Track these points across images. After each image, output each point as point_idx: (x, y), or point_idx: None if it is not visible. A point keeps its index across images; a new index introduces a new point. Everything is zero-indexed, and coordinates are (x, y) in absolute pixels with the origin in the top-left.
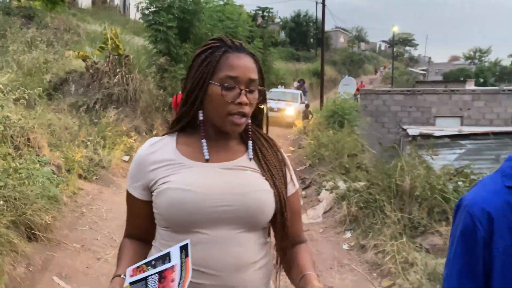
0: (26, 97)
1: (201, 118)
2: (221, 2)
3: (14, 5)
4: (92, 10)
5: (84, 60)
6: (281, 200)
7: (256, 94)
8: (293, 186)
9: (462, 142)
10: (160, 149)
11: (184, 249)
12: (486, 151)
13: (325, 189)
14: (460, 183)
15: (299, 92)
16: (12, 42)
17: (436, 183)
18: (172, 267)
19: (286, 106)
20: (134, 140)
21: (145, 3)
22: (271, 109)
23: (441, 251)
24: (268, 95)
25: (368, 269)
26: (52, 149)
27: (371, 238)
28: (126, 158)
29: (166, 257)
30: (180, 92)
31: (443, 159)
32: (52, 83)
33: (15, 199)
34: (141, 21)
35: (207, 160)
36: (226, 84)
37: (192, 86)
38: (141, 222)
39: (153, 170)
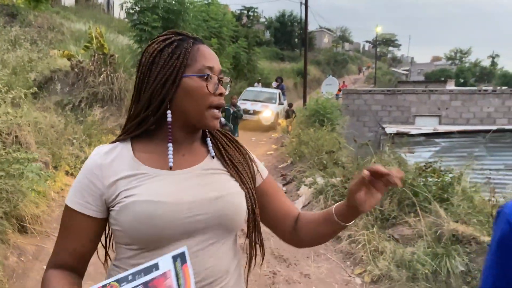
0: (12, 96)
1: (169, 119)
2: (206, 2)
3: None
4: (75, 8)
5: (69, 59)
6: (251, 198)
7: (226, 86)
8: (260, 176)
9: (437, 140)
10: (117, 158)
11: (178, 257)
12: (459, 148)
13: (304, 185)
14: (429, 178)
15: (277, 91)
16: None
17: (406, 178)
18: (164, 274)
19: (263, 108)
20: None
21: (130, 2)
22: (246, 111)
23: (409, 240)
24: (243, 94)
25: (342, 258)
26: (39, 146)
27: (345, 229)
28: None
29: (152, 269)
30: None
31: (419, 156)
32: (37, 82)
33: (7, 192)
34: (126, 20)
35: (170, 168)
36: (208, 74)
37: (157, 85)
38: (82, 246)
39: (111, 183)
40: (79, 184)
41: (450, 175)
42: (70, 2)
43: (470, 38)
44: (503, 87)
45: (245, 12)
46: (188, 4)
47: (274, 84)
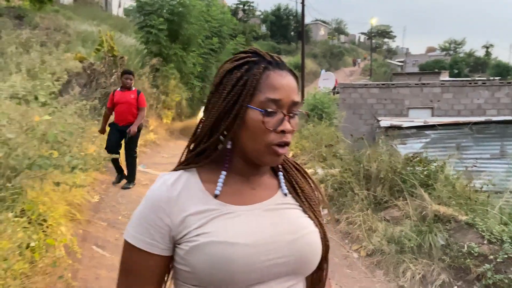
0: (43, 99)
1: (229, 146)
2: (206, 2)
3: (3, 6)
4: (74, 7)
5: (80, 61)
6: (326, 241)
7: (297, 119)
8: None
9: (427, 132)
10: (184, 190)
11: None
12: (448, 140)
13: None
14: (417, 167)
15: None
16: (8, 44)
17: (396, 167)
18: None
19: None
20: None
21: (136, 6)
22: None
23: (398, 221)
24: None
25: (341, 237)
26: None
27: (343, 213)
28: None
29: None
30: (118, 89)
31: (411, 148)
32: (58, 84)
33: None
34: (124, 17)
35: (215, 196)
36: (268, 109)
37: (223, 109)
38: (146, 285)
39: (181, 220)
40: (144, 219)
41: (434, 164)
42: (69, 0)
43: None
44: (494, 79)
45: (241, 6)
46: (191, 7)
47: None
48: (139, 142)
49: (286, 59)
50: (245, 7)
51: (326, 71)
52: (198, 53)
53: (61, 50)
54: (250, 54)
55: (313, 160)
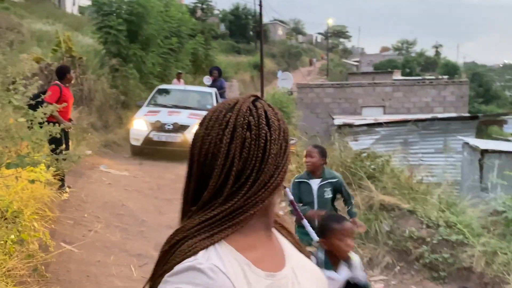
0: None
1: (291, 197)
2: (164, 2)
3: None
4: (25, 4)
5: (37, 62)
6: None
7: None
8: None
9: (377, 129)
10: (231, 270)
11: None
12: (396, 136)
13: None
14: (366, 162)
15: (213, 90)
16: None
17: (346, 162)
18: None
19: (192, 121)
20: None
21: (93, 6)
22: (159, 128)
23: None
24: (152, 97)
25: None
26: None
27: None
28: (89, 152)
29: None
30: (62, 85)
31: (362, 144)
32: (6, 84)
33: None
34: (79, 15)
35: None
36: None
37: (273, 170)
38: None
39: None
40: None
41: (381, 159)
42: None
43: (416, 29)
44: (443, 77)
45: (200, 5)
46: (150, 8)
47: (206, 79)
48: (100, 141)
49: (245, 58)
50: (203, 6)
51: (283, 71)
52: (157, 53)
53: (16, 51)
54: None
55: None
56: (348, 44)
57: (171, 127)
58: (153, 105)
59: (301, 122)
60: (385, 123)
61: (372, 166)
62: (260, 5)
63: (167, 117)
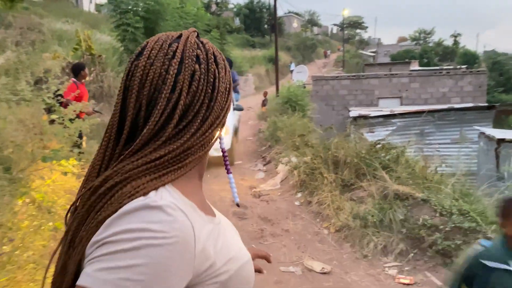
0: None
1: (223, 145)
2: None
3: None
4: (44, 3)
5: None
6: None
7: None
8: None
9: (393, 120)
10: (186, 210)
11: None
12: (412, 127)
13: (281, 163)
14: (381, 153)
15: None
16: None
17: (361, 153)
18: None
19: None
20: None
21: (110, 4)
22: None
23: (362, 200)
24: None
25: (313, 216)
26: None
27: (315, 195)
28: None
29: None
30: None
31: (378, 135)
32: (32, 82)
33: None
34: (96, 13)
35: (237, 205)
36: None
37: (225, 105)
38: None
39: (203, 249)
40: (168, 265)
41: (395, 150)
42: None
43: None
44: (461, 67)
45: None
46: (166, 5)
47: None
48: None
49: (260, 52)
50: (218, 0)
51: (298, 63)
52: None
53: (38, 50)
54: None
55: (287, 149)
56: (365, 35)
57: None
58: None
59: (316, 115)
60: (400, 114)
61: (387, 157)
62: (275, 0)
63: None
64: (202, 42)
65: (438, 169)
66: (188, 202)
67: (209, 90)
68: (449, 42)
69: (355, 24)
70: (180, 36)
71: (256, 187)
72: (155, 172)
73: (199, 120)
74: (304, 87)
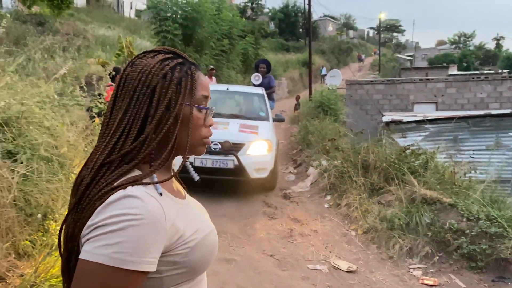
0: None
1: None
2: (216, 5)
3: (26, 13)
4: (87, 9)
5: (103, 66)
6: None
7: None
8: None
9: (426, 126)
10: (160, 198)
11: None
12: (445, 133)
13: (312, 166)
14: (410, 158)
15: (262, 90)
16: (31, 50)
17: (390, 157)
18: None
19: (244, 137)
20: None
21: (150, 11)
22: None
23: (390, 203)
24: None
25: (341, 218)
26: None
27: (343, 198)
28: None
29: None
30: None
31: (411, 141)
32: (79, 86)
33: None
34: (136, 18)
35: (197, 181)
36: (204, 106)
37: (165, 107)
38: None
39: (171, 226)
40: (147, 239)
41: (424, 155)
42: (82, 3)
43: (475, 21)
44: (503, 71)
45: (250, 4)
46: (203, 12)
47: (255, 78)
48: None
49: (294, 56)
50: (254, 5)
51: (332, 67)
52: (210, 55)
53: (83, 55)
54: (171, 55)
55: (317, 153)
56: (402, 38)
57: (218, 147)
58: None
59: (350, 119)
60: (433, 119)
61: (416, 162)
62: (309, 4)
63: (216, 134)
64: (191, 70)
65: (469, 175)
66: (161, 189)
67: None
68: (491, 45)
69: (392, 27)
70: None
71: (287, 189)
72: (130, 172)
73: (154, 123)
74: (335, 91)
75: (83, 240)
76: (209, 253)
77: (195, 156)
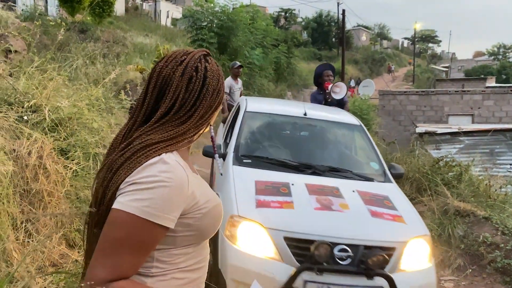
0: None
1: (212, 134)
2: (250, 14)
3: (69, 21)
4: (126, 17)
5: (141, 72)
6: None
7: None
8: None
9: (461, 138)
10: (183, 164)
11: None
12: (481, 145)
13: None
14: (444, 169)
15: (357, 120)
16: (75, 56)
17: (423, 168)
18: None
19: (393, 231)
20: None
21: (186, 20)
22: (323, 258)
23: (422, 214)
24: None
25: None
26: None
27: None
28: None
29: None
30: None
31: (445, 152)
32: (118, 92)
33: None
34: (172, 27)
35: (221, 174)
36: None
37: (213, 104)
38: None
39: (191, 193)
40: (171, 201)
41: (459, 167)
42: (121, 11)
43: None
44: None
45: (283, 14)
46: (238, 22)
47: (334, 90)
48: None
49: None
50: (287, 15)
51: (365, 77)
52: (243, 63)
53: (122, 62)
54: (204, 54)
55: None
56: (438, 49)
57: (349, 255)
58: (245, 158)
59: (383, 130)
60: (468, 132)
61: (450, 174)
62: (343, 14)
63: (322, 216)
64: (206, 59)
65: (505, 189)
66: (183, 162)
67: (200, 91)
68: None
69: (428, 37)
70: (191, 52)
71: None
72: (167, 144)
73: (193, 110)
74: (368, 101)
75: (118, 193)
76: (216, 220)
77: (309, 274)
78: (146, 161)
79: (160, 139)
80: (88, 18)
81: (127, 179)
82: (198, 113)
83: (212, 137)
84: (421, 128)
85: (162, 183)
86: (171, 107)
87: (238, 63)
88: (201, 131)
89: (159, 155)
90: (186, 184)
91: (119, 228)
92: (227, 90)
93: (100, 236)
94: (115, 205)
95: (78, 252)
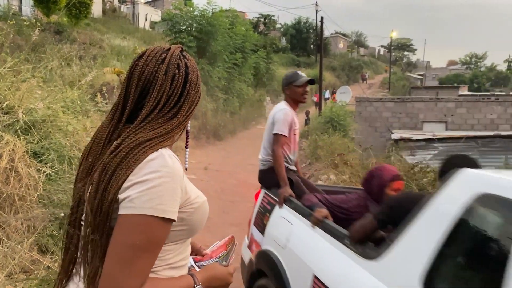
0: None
1: (189, 128)
2: (230, 19)
3: (44, 22)
4: (103, 19)
5: (118, 75)
6: None
7: None
8: None
9: (435, 144)
10: (177, 159)
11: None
12: (454, 152)
13: (320, 181)
14: (420, 176)
15: None
16: (50, 57)
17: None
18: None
19: None
20: None
21: (165, 23)
22: None
23: None
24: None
25: None
26: None
27: None
28: None
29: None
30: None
31: (420, 159)
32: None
33: None
34: (150, 30)
35: (186, 169)
36: None
37: (195, 98)
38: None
39: (184, 187)
40: (175, 194)
41: (433, 173)
42: (98, 13)
43: (488, 42)
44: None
45: (262, 19)
46: (218, 26)
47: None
48: None
49: (305, 71)
50: (266, 20)
51: (342, 84)
52: (222, 67)
53: (99, 64)
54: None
55: (326, 167)
56: (413, 57)
57: None
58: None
59: (359, 136)
60: (442, 138)
61: (424, 179)
62: (321, 21)
63: None
64: (184, 55)
65: None
66: (176, 157)
67: (184, 87)
68: (502, 67)
69: (403, 46)
70: (169, 49)
71: None
72: (160, 140)
73: (178, 106)
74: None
75: (122, 195)
76: (204, 216)
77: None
78: (144, 157)
79: (152, 136)
80: (64, 19)
81: (130, 177)
82: (183, 109)
83: (187, 132)
84: (397, 134)
85: (166, 178)
86: (156, 105)
87: (306, 76)
88: (187, 127)
89: (156, 150)
90: (182, 176)
91: (138, 233)
92: (285, 128)
93: (112, 245)
94: (127, 211)
95: (51, 258)
